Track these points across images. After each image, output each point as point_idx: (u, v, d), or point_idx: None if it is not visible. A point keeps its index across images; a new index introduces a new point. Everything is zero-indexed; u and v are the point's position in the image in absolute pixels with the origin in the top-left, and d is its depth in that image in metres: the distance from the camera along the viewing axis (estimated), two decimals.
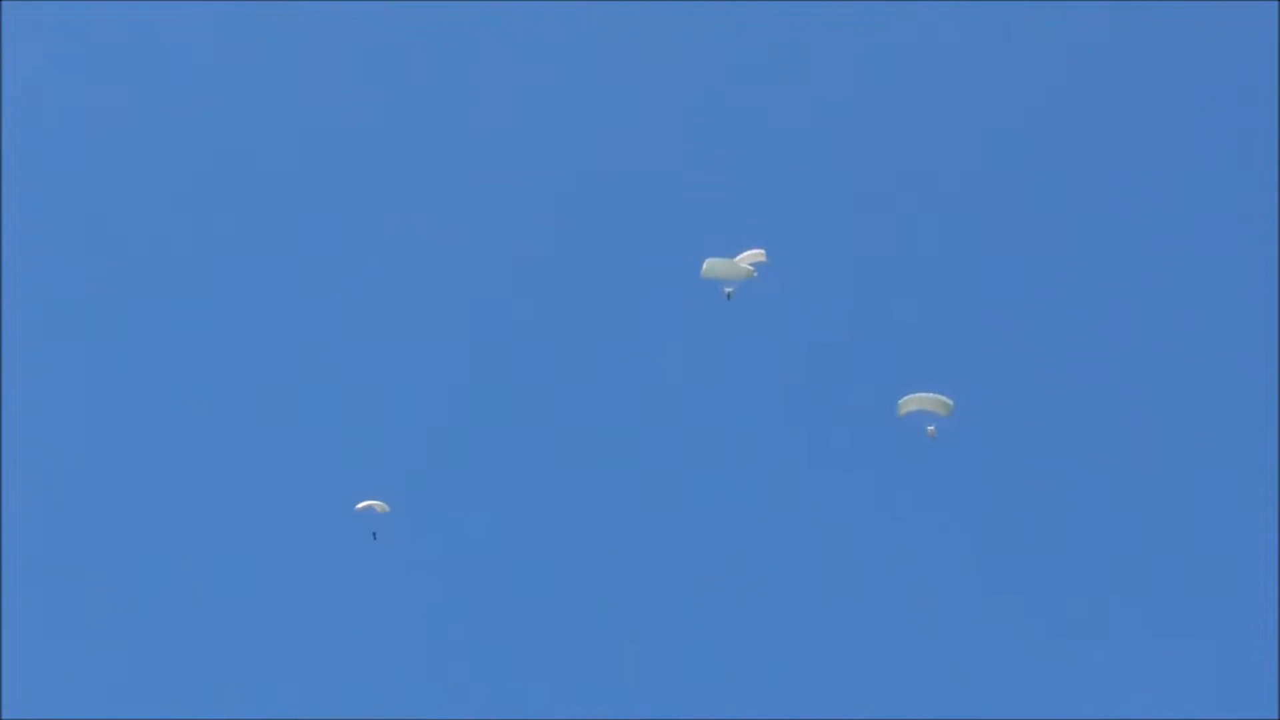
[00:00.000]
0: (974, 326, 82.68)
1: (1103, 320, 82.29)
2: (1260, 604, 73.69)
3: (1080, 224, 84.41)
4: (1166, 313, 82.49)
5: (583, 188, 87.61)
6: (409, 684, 75.32)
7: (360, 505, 67.28)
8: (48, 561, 77.28)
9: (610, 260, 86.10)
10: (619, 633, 77.09)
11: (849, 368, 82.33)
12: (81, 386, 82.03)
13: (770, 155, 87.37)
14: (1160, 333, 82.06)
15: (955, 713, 72.73)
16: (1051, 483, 78.84)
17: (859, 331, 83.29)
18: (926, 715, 73.11)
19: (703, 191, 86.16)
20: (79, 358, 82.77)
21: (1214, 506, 77.75)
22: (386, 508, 67.29)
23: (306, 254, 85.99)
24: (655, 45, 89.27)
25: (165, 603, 77.20)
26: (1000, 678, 74.61)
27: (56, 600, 76.59)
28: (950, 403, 58.19)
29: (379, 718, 73.67)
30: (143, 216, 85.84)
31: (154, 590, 77.51)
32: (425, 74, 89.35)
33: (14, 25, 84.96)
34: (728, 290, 64.50)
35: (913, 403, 59.00)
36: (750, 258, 63.36)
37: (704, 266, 62.94)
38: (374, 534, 68.62)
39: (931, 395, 58.46)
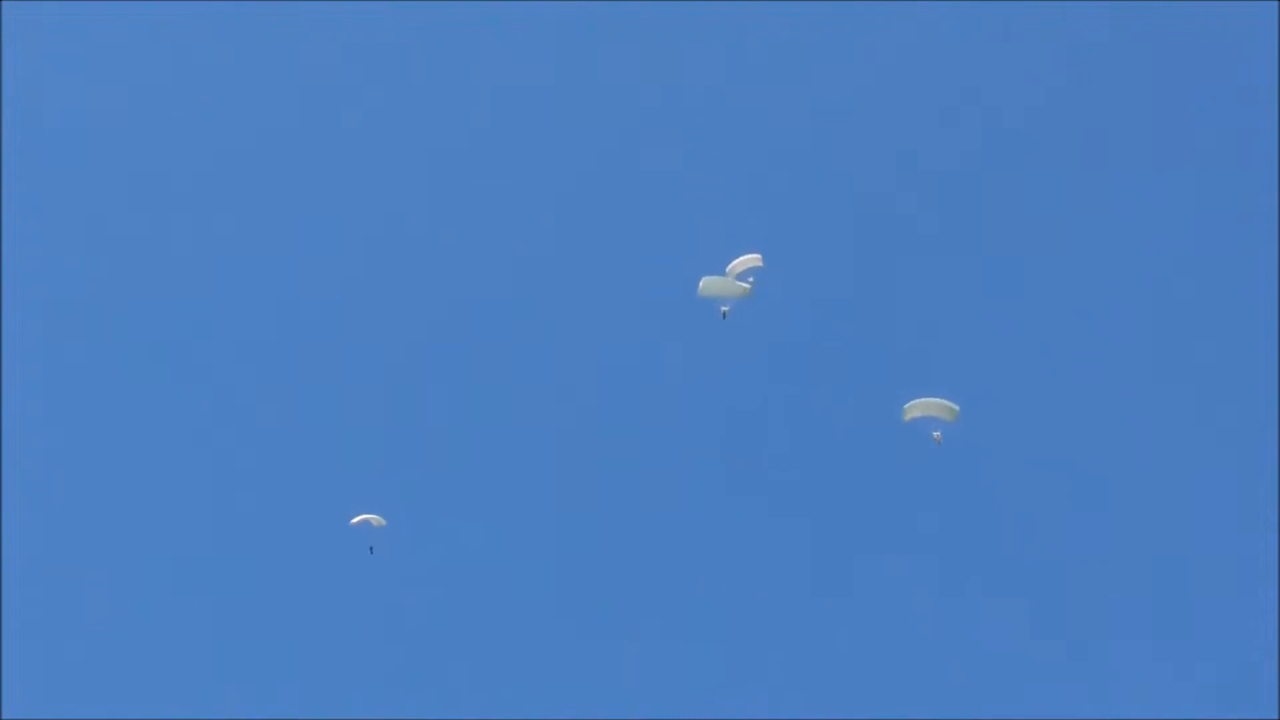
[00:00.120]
0: (973, 326, 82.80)
1: (1102, 320, 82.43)
2: (1260, 605, 73.83)
3: (1080, 224, 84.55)
4: (1167, 312, 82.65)
5: (583, 187, 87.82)
6: (408, 683, 75.44)
7: (356, 519, 66.85)
8: (48, 561, 77.34)
9: (610, 260, 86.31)
10: (617, 633, 77.24)
11: (849, 368, 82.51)
12: (81, 386, 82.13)
13: (769, 155, 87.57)
14: (1160, 332, 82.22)
15: (956, 713, 72.83)
16: (1051, 483, 79.02)
17: (859, 332, 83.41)
18: (928, 716, 73.30)
19: (702, 192, 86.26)
20: (79, 358, 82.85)
21: (1214, 507, 77.92)
22: (383, 521, 66.88)
23: (306, 254, 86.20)
24: (655, 45, 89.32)
25: (165, 603, 77.31)
26: (1000, 678, 74.81)
27: (56, 600, 76.66)
28: (956, 408, 57.44)
29: (379, 718, 73.80)
30: (142, 216, 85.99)
31: (154, 590, 77.62)
32: (425, 74, 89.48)
33: (14, 25, 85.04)
34: (724, 309, 64.48)
35: (918, 408, 58.30)
36: (746, 263, 63.33)
37: (701, 285, 62.93)
38: (370, 548, 68.45)
39: (937, 400, 57.79)
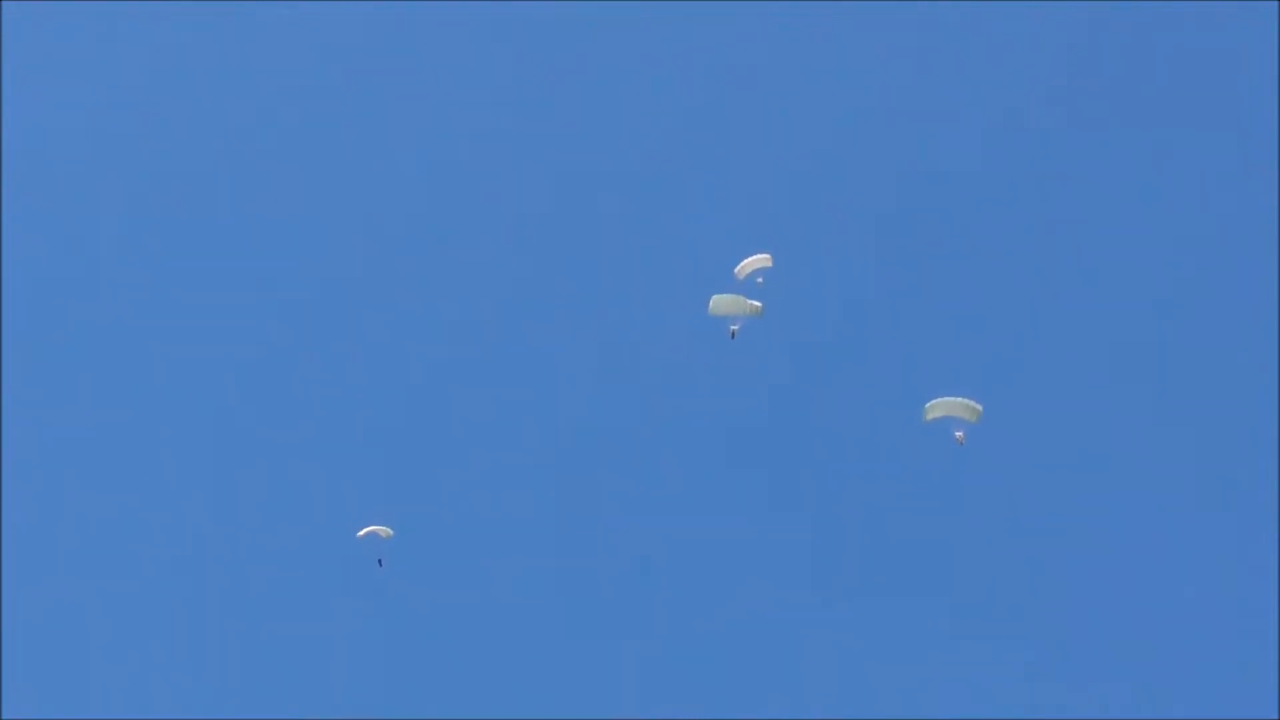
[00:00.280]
0: (973, 326, 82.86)
1: (1103, 320, 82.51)
2: (1260, 600, 73.95)
3: (1080, 224, 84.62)
4: (1166, 313, 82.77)
5: (583, 187, 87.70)
6: (408, 683, 75.31)
7: (363, 531, 66.18)
8: (48, 561, 77.07)
9: (611, 260, 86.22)
10: (617, 633, 77.21)
11: (848, 368, 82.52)
12: (81, 386, 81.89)
13: (770, 155, 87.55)
14: (1161, 333, 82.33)
15: (957, 714, 72.93)
16: (1052, 483, 79.09)
17: (858, 332, 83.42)
18: (928, 716, 73.36)
19: (703, 192, 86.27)
20: (79, 357, 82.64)
21: (1215, 507, 78.03)
22: (390, 533, 66.17)
23: (306, 254, 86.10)
24: (654, 44, 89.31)
25: (165, 603, 77.11)
26: (1000, 679, 74.89)
27: (56, 600, 76.38)
28: (979, 407, 56.31)
29: (378, 718, 73.68)
30: (142, 216, 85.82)
31: (154, 590, 77.41)
32: (425, 74, 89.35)
33: (14, 25, 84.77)
34: (733, 328, 64.27)
35: (940, 408, 57.28)
36: (755, 263, 63.25)
37: (711, 304, 62.76)
38: (380, 561, 67.79)
39: (960, 400, 56.68)
